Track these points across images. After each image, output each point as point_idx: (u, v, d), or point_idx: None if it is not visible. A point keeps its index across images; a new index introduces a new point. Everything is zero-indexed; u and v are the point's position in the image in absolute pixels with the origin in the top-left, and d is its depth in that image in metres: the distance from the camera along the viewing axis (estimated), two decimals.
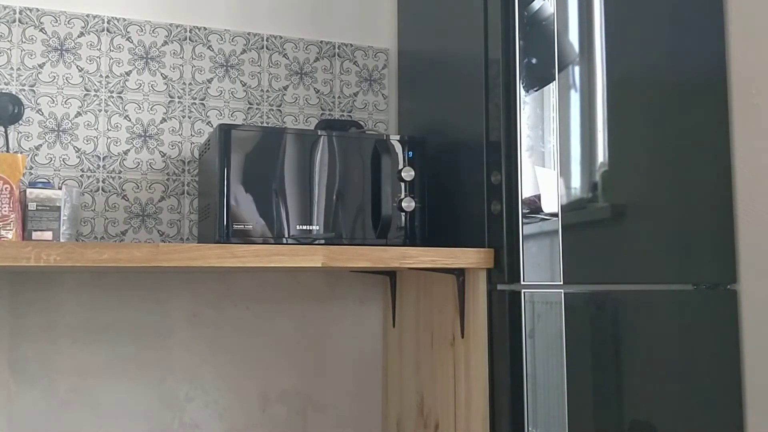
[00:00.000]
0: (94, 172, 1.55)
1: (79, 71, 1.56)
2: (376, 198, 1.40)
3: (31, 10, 1.54)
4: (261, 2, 1.73)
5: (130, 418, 1.54)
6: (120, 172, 1.57)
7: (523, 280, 1.25)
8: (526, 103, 1.29)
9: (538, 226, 1.27)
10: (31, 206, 1.34)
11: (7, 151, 1.49)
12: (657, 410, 1.32)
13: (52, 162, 1.53)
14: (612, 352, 1.30)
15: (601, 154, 1.34)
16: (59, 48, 1.55)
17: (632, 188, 1.36)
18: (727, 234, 1.42)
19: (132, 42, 1.61)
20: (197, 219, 1.59)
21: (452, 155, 1.47)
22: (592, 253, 1.31)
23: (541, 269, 1.26)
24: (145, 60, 1.61)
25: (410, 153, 1.43)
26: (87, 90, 1.56)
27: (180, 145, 1.62)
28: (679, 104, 1.42)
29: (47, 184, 1.40)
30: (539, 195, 1.28)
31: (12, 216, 1.25)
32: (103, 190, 1.56)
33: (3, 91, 1.51)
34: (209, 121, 1.65)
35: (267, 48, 1.72)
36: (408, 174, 1.42)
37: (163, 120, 1.61)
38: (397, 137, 1.43)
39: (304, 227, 1.35)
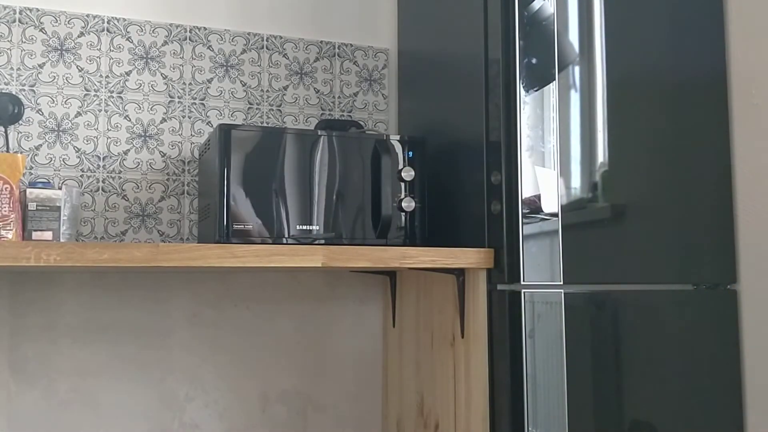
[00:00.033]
0: (94, 172, 1.55)
1: (79, 71, 1.56)
2: (376, 198, 1.40)
3: (31, 10, 1.54)
4: (261, 2, 1.73)
5: (130, 418, 1.54)
6: (120, 172, 1.57)
7: (523, 280, 1.25)
8: (526, 103, 1.29)
9: (538, 226, 1.27)
10: (31, 206, 1.34)
11: (7, 151, 1.49)
12: (657, 410, 1.32)
13: (52, 162, 1.53)
14: (612, 352, 1.30)
15: (601, 154, 1.34)
16: (59, 48, 1.55)
17: (632, 188, 1.36)
18: (727, 234, 1.42)
19: (132, 42, 1.61)
20: (197, 219, 1.59)
21: (452, 155, 1.47)
22: (592, 253, 1.31)
23: (541, 269, 1.26)
24: (145, 60, 1.61)
25: (410, 153, 1.43)
26: (87, 90, 1.56)
27: (180, 145, 1.62)
28: (679, 104, 1.42)
29: (47, 184, 1.40)
30: (539, 195, 1.28)
31: (12, 216, 1.25)
32: (103, 190, 1.56)
33: (3, 91, 1.51)
34: (209, 121, 1.65)
35: (267, 48, 1.72)
36: (408, 174, 1.42)
37: (163, 120, 1.61)
38: (397, 137, 1.43)
39: (304, 227, 1.35)
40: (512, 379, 1.24)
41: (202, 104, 1.65)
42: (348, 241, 1.37)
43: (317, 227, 1.35)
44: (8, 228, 1.24)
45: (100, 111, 1.57)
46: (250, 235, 1.31)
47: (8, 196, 1.25)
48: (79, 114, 1.55)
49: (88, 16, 1.58)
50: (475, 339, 1.30)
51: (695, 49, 1.44)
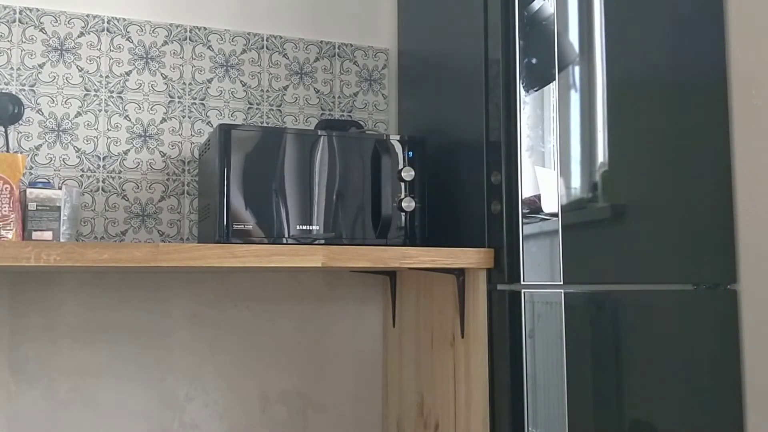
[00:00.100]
0: (94, 172, 1.55)
1: (79, 71, 1.56)
2: (376, 198, 1.40)
3: (31, 10, 1.54)
4: (261, 2, 1.73)
5: (130, 418, 1.54)
6: (120, 172, 1.57)
7: (523, 280, 1.25)
8: (526, 103, 1.29)
9: (538, 226, 1.27)
10: (31, 206, 1.34)
11: (7, 151, 1.49)
12: (657, 410, 1.32)
13: (52, 162, 1.53)
14: (612, 352, 1.30)
15: (601, 154, 1.34)
16: (59, 48, 1.55)
17: (632, 188, 1.36)
18: (727, 234, 1.42)
19: (132, 42, 1.61)
20: (197, 219, 1.59)
21: (452, 155, 1.47)
22: (592, 253, 1.31)
23: (541, 269, 1.26)
24: (145, 60, 1.61)
25: (410, 153, 1.43)
26: (87, 90, 1.56)
27: (180, 145, 1.62)
28: (679, 104, 1.42)
29: (47, 184, 1.40)
30: (539, 195, 1.28)
31: (12, 216, 1.25)
32: (103, 190, 1.56)
33: (3, 91, 1.51)
34: (209, 121, 1.65)
35: (267, 48, 1.72)
36: (408, 174, 1.42)
37: (163, 120, 1.62)
38: (397, 137, 1.43)
39: (304, 227, 1.35)
40: (512, 379, 1.24)
41: (202, 104, 1.65)
42: (348, 241, 1.37)
43: (317, 227, 1.35)
44: (8, 228, 1.24)
45: (100, 111, 1.57)
46: (250, 235, 1.31)
47: (8, 196, 1.25)
48: (79, 114, 1.55)
49: (88, 16, 1.58)
50: (475, 339, 1.30)
51: (695, 49, 1.44)
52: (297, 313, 1.68)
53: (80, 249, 1.08)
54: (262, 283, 1.66)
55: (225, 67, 1.67)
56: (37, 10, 1.54)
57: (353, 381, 1.72)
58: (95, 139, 1.56)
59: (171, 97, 1.63)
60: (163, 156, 1.61)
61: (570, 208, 1.30)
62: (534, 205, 1.27)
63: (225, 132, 1.31)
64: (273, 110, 1.71)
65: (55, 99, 1.54)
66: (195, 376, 1.59)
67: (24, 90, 1.52)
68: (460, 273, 1.35)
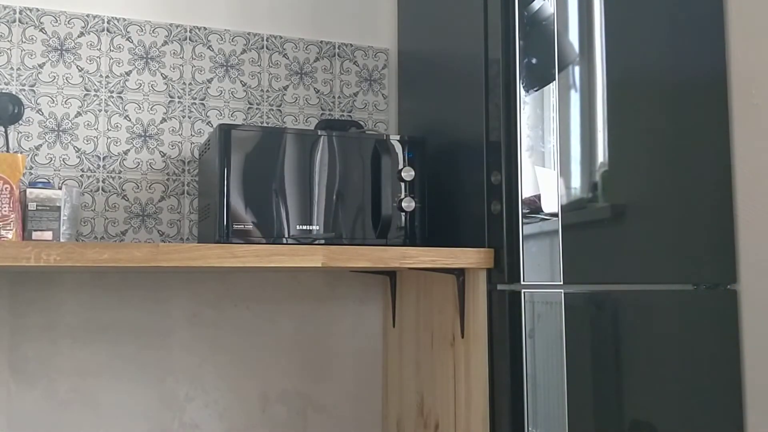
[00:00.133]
0: (94, 172, 1.56)
1: (79, 71, 1.56)
2: (376, 198, 1.40)
3: (31, 10, 1.54)
4: (261, 2, 1.73)
5: (130, 418, 1.54)
6: (120, 172, 1.57)
7: (523, 280, 1.25)
8: (526, 103, 1.29)
9: (538, 226, 1.27)
10: (31, 206, 1.34)
11: (7, 151, 1.49)
12: (657, 410, 1.32)
13: (52, 162, 1.53)
14: (612, 352, 1.30)
15: (601, 154, 1.34)
16: (59, 48, 1.55)
17: (632, 188, 1.36)
18: (727, 234, 1.42)
19: (132, 42, 1.61)
20: (197, 219, 1.59)
21: (452, 155, 1.47)
22: (592, 253, 1.31)
23: (541, 269, 1.26)
24: (145, 60, 1.61)
25: (410, 153, 1.43)
26: (87, 90, 1.56)
27: (180, 145, 1.62)
28: (679, 104, 1.42)
29: (47, 184, 1.40)
30: (539, 195, 1.28)
31: (12, 216, 1.25)
32: (103, 190, 1.56)
33: (3, 91, 1.51)
34: (209, 121, 1.65)
35: (267, 48, 1.72)
36: (408, 174, 1.42)
37: (163, 120, 1.62)
38: (397, 137, 1.43)
39: (304, 227, 1.35)
40: (512, 379, 1.24)
41: (202, 104, 1.65)
42: (348, 241, 1.37)
43: (317, 227, 1.35)
44: (8, 228, 1.24)
45: (100, 111, 1.57)
46: (250, 235, 1.31)
47: (8, 196, 1.25)
48: (79, 114, 1.55)
49: (88, 16, 1.58)
50: (475, 339, 1.30)
51: (695, 49, 1.44)
52: (297, 313, 1.68)
53: (80, 249, 1.08)
54: (262, 283, 1.66)
55: (225, 67, 1.67)
56: (37, 10, 1.54)
57: (353, 381, 1.72)
58: (95, 139, 1.56)
59: (171, 97, 1.63)
60: (163, 156, 1.61)
61: (570, 208, 1.30)
62: (534, 205, 1.27)
63: (225, 132, 1.31)
64: (273, 110, 1.71)
65: (55, 99, 1.54)
66: (195, 376, 1.59)
67: (24, 90, 1.52)
68: (460, 273, 1.35)
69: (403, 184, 1.42)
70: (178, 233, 1.60)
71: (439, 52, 1.57)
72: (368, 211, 1.40)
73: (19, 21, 1.53)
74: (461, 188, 1.42)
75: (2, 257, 1.04)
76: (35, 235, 1.34)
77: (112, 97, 1.58)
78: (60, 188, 1.39)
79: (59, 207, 1.36)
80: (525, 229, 1.26)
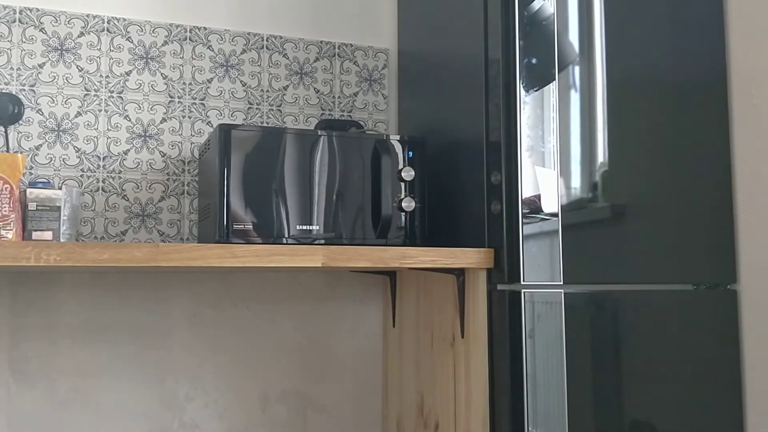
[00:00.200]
0: (94, 172, 1.56)
1: (79, 71, 1.56)
2: (376, 198, 1.40)
3: (31, 10, 1.54)
4: (261, 2, 1.73)
5: (130, 418, 1.54)
6: (120, 172, 1.57)
7: (523, 280, 1.25)
8: (526, 103, 1.29)
9: (538, 226, 1.27)
10: (31, 206, 1.34)
11: (7, 151, 1.49)
12: (657, 410, 1.32)
13: (52, 162, 1.53)
14: (612, 352, 1.30)
15: (601, 154, 1.34)
16: (59, 48, 1.55)
17: (632, 188, 1.36)
18: (727, 234, 1.42)
19: (132, 42, 1.61)
20: (197, 219, 1.59)
21: (452, 155, 1.47)
22: (592, 253, 1.31)
23: (541, 269, 1.26)
24: (145, 60, 1.61)
25: (410, 153, 1.43)
26: (87, 90, 1.56)
27: (180, 145, 1.62)
28: (679, 104, 1.42)
29: (47, 184, 1.40)
30: (539, 195, 1.28)
31: (12, 216, 1.25)
32: (103, 190, 1.56)
33: (3, 91, 1.51)
34: (209, 121, 1.65)
35: (267, 48, 1.72)
36: (408, 174, 1.42)
37: (163, 120, 1.62)
38: (397, 137, 1.43)
39: (304, 227, 1.35)
40: (512, 379, 1.24)
41: (202, 104, 1.65)
42: (348, 241, 1.37)
43: (317, 227, 1.35)
44: (8, 228, 1.24)
45: (100, 111, 1.57)
46: (250, 235, 1.31)
47: (8, 196, 1.25)
48: (79, 114, 1.55)
49: (88, 16, 1.58)
50: (475, 339, 1.30)
51: (695, 49, 1.44)
52: (297, 313, 1.68)
53: (80, 249, 1.08)
54: (262, 283, 1.66)
55: (225, 67, 1.67)
56: (37, 10, 1.54)
57: (353, 381, 1.72)
58: (95, 139, 1.56)
59: (171, 97, 1.63)
60: (163, 156, 1.61)
61: (570, 208, 1.30)
62: (534, 205, 1.27)
63: (225, 132, 1.31)
64: (273, 110, 1.71)
65: (55, 99, 1.54)
66: (195, 376, 1.59)
67: (24, 90, 1.52)
68: (460, 273, 1.35)
69: (403, 184, 1.42)
70: (178, 233, 1.60)
71: (439, 52, 1.57)
72: (368, 211, 1.40)
73: (19, 21, 1.53)
74: (461, 188, 1.42)
75: (2, 257, 1.04)
76: (35, 235, 1.34)
77: (112, 97, 1.58)
78: (60, 188, 1.39)
79: (59, 207, 1.36)
80: (525, 229, 1.26)
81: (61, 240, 1.37)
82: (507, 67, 1.30)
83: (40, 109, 1.53)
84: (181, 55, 1.64)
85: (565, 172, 1.30)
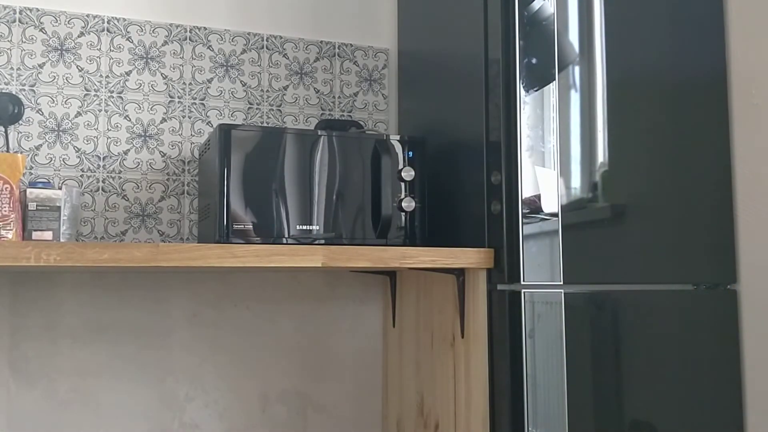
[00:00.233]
0: (94, 172, 1.56)
1: (79, 71, 1.56)
2: (376, 198, 1.40)
3: (31, 10, 1.54)
4: (261, 2, 1.73)
5: (130, 418, 1.54)
6: (120, 172, 1.57)
7: (523, 280, 1.25)
8: (526, 103, 1.29)
9: (538, 226, 1.27)
10: (31, 206, 1.34)
11: (7, 151, 1.49)
12: (657, 410, 1.32)
13: (52, 162, 1.53)
14: (612, 352, 1.30)
15: (601, 154, 1.34)
16: (59, 48, 1.55)
17: (632, 188, 1.36)
18: (727, 234, 1.42)
19: (132, 42, 1.61)
20: (197, 219, 1.59)
21: (452, 155, 1.47)
22: (592, 253, 1.31)
23: (541, 269, 1.26)
24: (145, 60, 1.61)
25: (410, 153, 1.43)
26: (87, 90, 1.56)
27: (180, 145, 1.62)
28: (679, 104, 1.42)
29: (47, 184, 1.40)
30: (539, 195, 1.28)
31: (12, 216, 1.25)
32: (103, 190, 1.56)
33: (3, 91, 1.51)
34: (209, 121, 1.65)
35: (267, 48, 1.72)
36: (408, 174, 1.41)
37: (163, 120, 1.62)
38: (397, 137, 1.43)
39: (304, 227, 1.35)
40: (512, 379, 1.24)
41: (202, 104, 1.65)
42: (348, 241, 1.37)
43: (317, 227, 1.35)
44: (8, 228, 1.24)
45: (100, 111, 1.57)
46: (250, 235, 1.31)
47: (8, 196, 1.25)
48: (79, 114, 1.55)
49: (88, 16, 1.58)
50: (475, 339, 1.30)
51: (695, 49, 1.44)
52: (297, 313, 1.68)
53: (80, 249, 1.08)
54: (262, 283, 1.66)
55: (225, 67, 1.67)
56: (37, 10, 1.54)
57: (353, 381, 1.72)
58: (95, 139, 1.56)
59: (171, 97, 1.63)
60: (163, 156, 1.61)
61: (570, 208, 1.30)
62: (534, 205, 1.27)
63: (225, 132, 1.31)
64: (273, 110, 1.71)
65: (55, 99, 1.54)
66: (195, 376, 1.59)
67: (24, 90, 1.52)
68: (460, 273, 1.35)
69: (403, 184, 1.42)
70: (178, 233, 1.60)
71: (439, 52, 1.57)
72: (368, 211, 1.40)
73: (19, 21, 1.53)
74: (461, 188, 1.42)
75: (2, 257, 1.04)
76: (35, 235, 1.34)
77: (112, 97, 1.58)
78: (60, 188, 1.39)
79: (59, 207, 1.36)
80: (525, 229, 1.26)
81: (61, 240, 1.37)
82: (507, 67, 1.30)
83: (40, 109, 1.53)
84: (181, 55, 1.64)
85: (565, 172, 1.30)
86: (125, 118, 1.59)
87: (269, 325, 1.66)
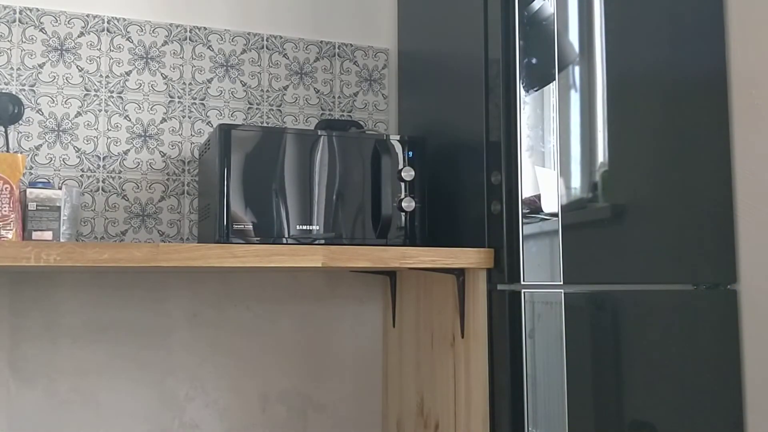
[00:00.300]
0: (94, 172, 1.56)
1: (79, 71, 1.56)
2: (376, 198, 1.40)
3: (31, 10, 1.54)
4: (261, 2, 1.73)
5: (130, 418, 1.54)
6: (120, 172, 1.57)
7: (523, 280, 1.25)
8: (526, 103, 1.29)
9: (538, 226, 1.27)
10: (31, 206, 1.34)
11: (7, 151, 1.49)
12: (657, 410, 1.32)
13: (52, 162, 1.53)
14: (612, 352, 1.30)
15: (601, 154, 1.34)
16: (59, 48, 1.55)
17: (632, 188, 1.36)
18: (727, 234, 1.42)
19: (132, 42, 1.61)
20: (197, 219, 1.59)
21: (452, 155, 1.47)
22: (592, 253, 1.31)
23: (541, 269, 1.26)
24: (145, 60, 1.61)
25: (410, 153, 1.43)
26: (87, 90, 1.56)
27: (180, 145, 1.62)
28: (679, 104, 1.42)
29: (47, 184, 1.40)
30: (539, 195, 1.28)
31: (12, 216, 1.25)
32: (103, 190, 1.56)
33: (3, 91, 1.51)
34: (209, 121, 1.65)
35: (267, 48, 1.72)
36: (408, 174, 1.42)
37: (163, 120, 1.62)
38: (397, 137, 1.43)
39: (304, 227, 1.35)
40: (512, 379, 1.24)
41: (202, 104, 1.65)
42: (348, 241, 1.37)
43: (317, 227, 1.35)
44: (8, 228, 1.24)
45: (100, 111, 1.57)
46: (250, 235, 1.31)
47: (8, 196, 1.25)
48: (79, 114, 1.55)
49: (88, 16, 1.58)
50: (475, 339, 1.30)
51: (695, 49, 1.44)
52: (297, 313, 1.69)
53: (80, 249, 1.08)
54: (262, 283, 1.66)
55: (225, 67, 1.68)
56: (37, 10, 1.54)
57: (353, 381, 1.72)
58: (95, 139, 1.56)
59: (171, 97, 1.63)
60: (163, 156, 1.61)
61: (570, 208, 1.30)
62: (534, 205, 1.28)
63: (225, 132, 1.31)
64: (273, 110, 1.71)
65: (55, 99, 1.54)
66: (195, 376, 1.59)
67: (24, 90, 1.52)
68: (460, 273, 1.35)
69: (403, 184, 1.42)
70: (178, 233, 1.60)
71: (439, 52, 1.57)
72: (368, 211, 1.40)
73: (19, 21, 1.53)
74: (461, 188, 1.42)
75: (2, 257, 1.04)
76: (35, 235, 1.34)
77: (112, 97, 1.58)
78: (60, 188, 1.39)
79: (59, 207, 1.36)
80: (525, 229, 1.26)
81: (61, 240, 1.37)
82: (507, 67, 1.30)
83: (40, 109, 1.53)
84: (181, 55, 1.64)
85: (565, 172, 1.30)
86: (125, 118, 1.59)
87: (269, 325, 1.66)
